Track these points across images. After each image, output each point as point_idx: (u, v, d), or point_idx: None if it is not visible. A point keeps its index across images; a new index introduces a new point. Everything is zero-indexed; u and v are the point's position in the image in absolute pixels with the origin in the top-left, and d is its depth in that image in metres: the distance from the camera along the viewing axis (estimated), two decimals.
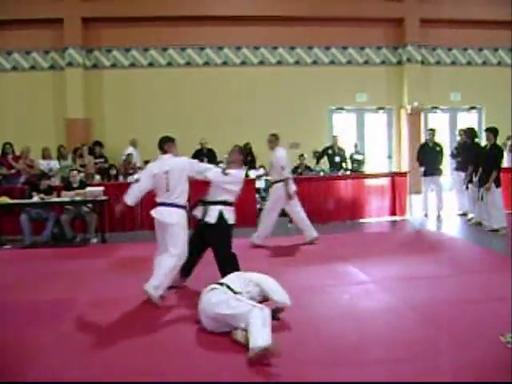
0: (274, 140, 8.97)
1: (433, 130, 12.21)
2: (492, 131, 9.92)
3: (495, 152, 9.83)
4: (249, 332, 4.14)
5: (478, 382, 3.59)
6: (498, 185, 9.73)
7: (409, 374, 3.73)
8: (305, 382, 3.74)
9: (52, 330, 4.84)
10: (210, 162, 12.92)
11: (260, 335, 4.03)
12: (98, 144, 14.07)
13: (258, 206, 11.87)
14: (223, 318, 4.45)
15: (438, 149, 11.89)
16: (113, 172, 12.89)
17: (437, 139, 12.14)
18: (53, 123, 14.98)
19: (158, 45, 15.38)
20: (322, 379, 3.73)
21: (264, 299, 4.82)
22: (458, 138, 12.38)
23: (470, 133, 10.98)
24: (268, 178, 13.19)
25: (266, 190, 12.99)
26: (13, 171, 11.73)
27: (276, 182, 8.86)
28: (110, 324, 4.97)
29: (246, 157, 13.56)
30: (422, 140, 14.67)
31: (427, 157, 11.86)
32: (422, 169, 11.90)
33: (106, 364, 4.04)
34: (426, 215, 11.78)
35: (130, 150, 13.85)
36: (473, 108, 16.88)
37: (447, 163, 12.89)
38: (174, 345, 4.43)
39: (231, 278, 4.92)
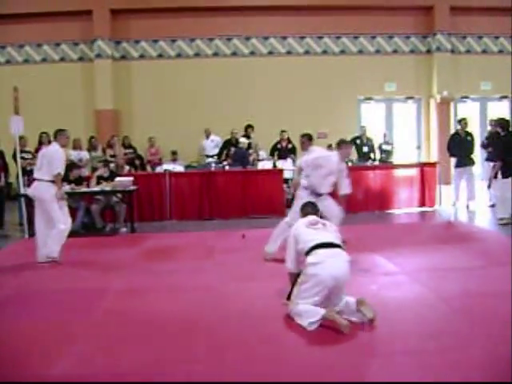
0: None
1: (465, 120, 11.93)
2: (500, 122, 10.02)
3: (500, 142, 9.79)
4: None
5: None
6: (507, 175, 9.56)
7: (439, 366, 3.70)
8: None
9: (85, 317, 4.91)
10: (237, 151, 12.97)
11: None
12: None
13: (287, 196, 11.85)
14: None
15: (469, 139, 11.68)
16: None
17: (468, 129, 11.95)
18: (82, 114, 15.18)
19: (186, 35, 15.44)
20: (350, 370, 3.72)
21: None
22: (489, 128, 12.17)
23: (504, 123, 10.61)
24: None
25: None
26: None
27: None
28: (140, 313, 5.02)
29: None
30: (452, 130, 14.47)
31: (460, 147, 11.54)
32: (454, 160, 11.72)
33: (135, 352, 4.08)
34: (456, 206, 11.60)
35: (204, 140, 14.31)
36: (504, 97, 16.59)
37: (478, 153, 12.69)
38: (204, 334, 4.45)
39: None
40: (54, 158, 7.26)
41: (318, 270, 4.44)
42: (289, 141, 13.59)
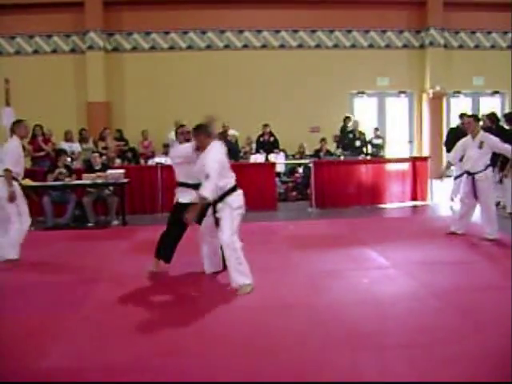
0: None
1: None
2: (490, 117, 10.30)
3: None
4: None
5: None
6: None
7: (430, 359, 3.71)
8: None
9: (75, 311, 4.89)
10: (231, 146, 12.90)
11: None
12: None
13: (278, 190, 11.86)
14: None
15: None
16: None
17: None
18: (74, 106, 15.11)
19: (179, 28, 15.38)
20: (341, 364, 3.72)
21: None
22: (481, 123, 12.15)
23: (493, 117, 10.80)
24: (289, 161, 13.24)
25: (286, 174, 12.99)
26: (42, 153, 11.77)
27: None
28: (131, 305, 5.02)
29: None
30: (445, 125, 14.49)
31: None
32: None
33: (128, 346, 4.08)
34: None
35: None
36: (496, 92, 16.66)
37: None
38: (195, 327, 4.46)
39: None
40: (7, 152, 6.70)
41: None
42: (271, 134, 13.61)
